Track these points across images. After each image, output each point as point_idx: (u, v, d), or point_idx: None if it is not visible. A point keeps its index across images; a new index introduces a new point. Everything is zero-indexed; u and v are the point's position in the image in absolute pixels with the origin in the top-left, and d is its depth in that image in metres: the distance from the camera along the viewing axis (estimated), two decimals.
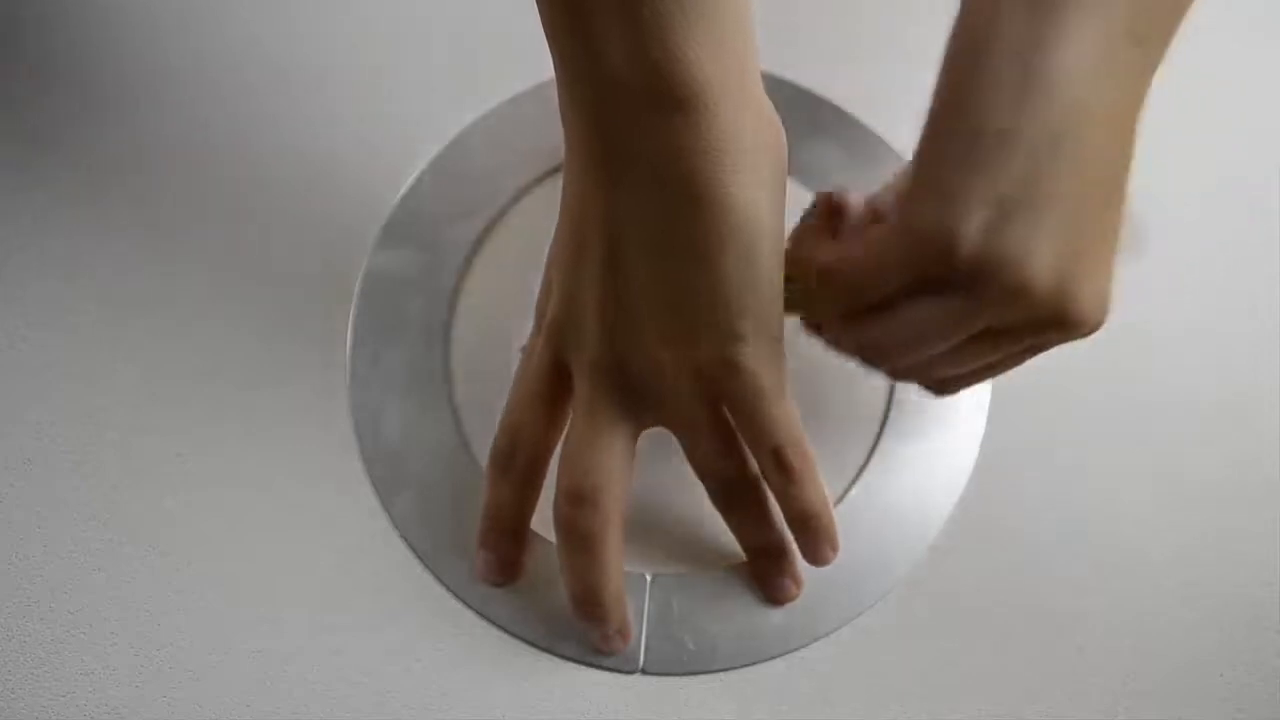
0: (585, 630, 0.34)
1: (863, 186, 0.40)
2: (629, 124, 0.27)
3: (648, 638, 0.34)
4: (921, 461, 0.37)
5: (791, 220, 0.32)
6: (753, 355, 0.30)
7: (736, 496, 0.33)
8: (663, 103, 0.27)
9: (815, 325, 0.33)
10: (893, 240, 0.28)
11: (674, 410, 0.32)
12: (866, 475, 0.37)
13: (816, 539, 0.33)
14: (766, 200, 0.29)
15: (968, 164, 0.26)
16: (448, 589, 0.35)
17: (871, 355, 0.31)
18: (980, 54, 0.26)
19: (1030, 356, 0.30)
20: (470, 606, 0.35)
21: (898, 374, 0.32)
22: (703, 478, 0.33)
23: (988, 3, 0.27)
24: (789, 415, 0.31)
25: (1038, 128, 0.26)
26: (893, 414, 0.37)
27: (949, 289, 0.27)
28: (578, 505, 0.32)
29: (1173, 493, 0.37)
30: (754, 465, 0.32)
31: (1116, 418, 0.38)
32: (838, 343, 0.32)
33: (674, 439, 0.33)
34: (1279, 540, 0.37)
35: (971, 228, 0.26)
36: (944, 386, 0.33)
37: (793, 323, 0.32)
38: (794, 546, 0.34)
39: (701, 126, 0.27)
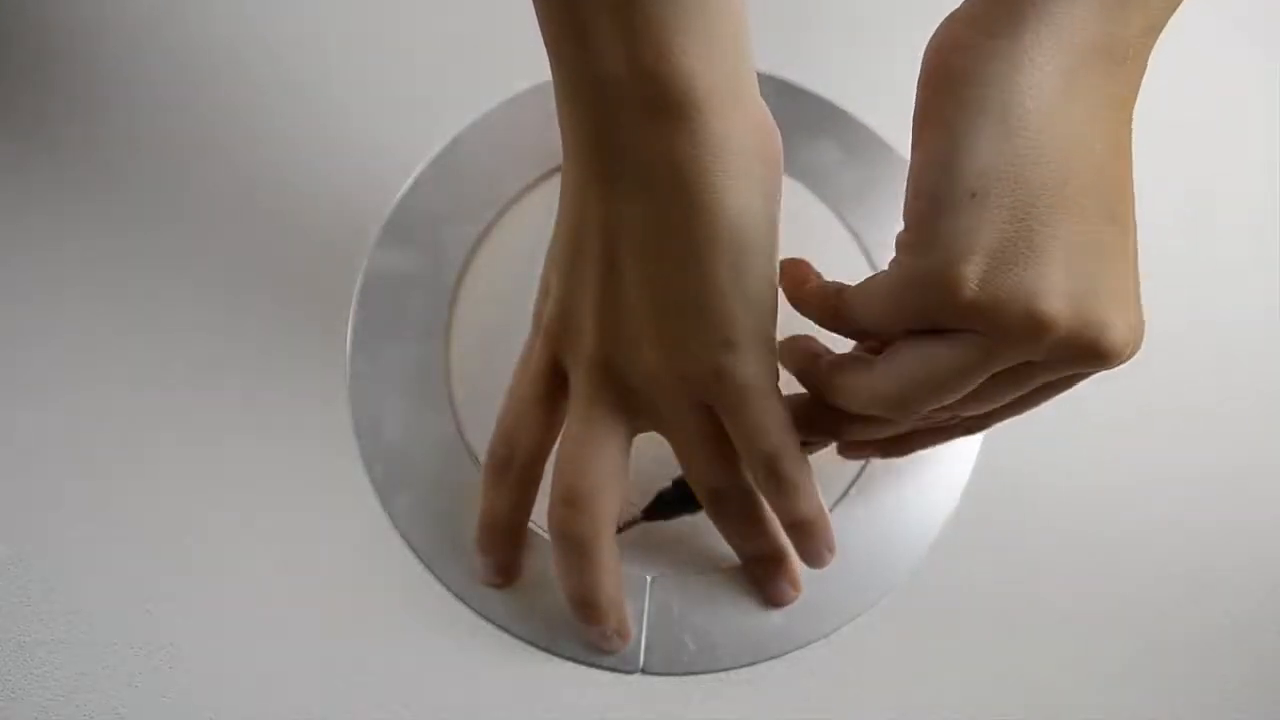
0: (584, 630, 0.34)
1: (863, 186, 0.40)
2: (623, 129, 0.27)
3: (648, 638, 0.34)
4: (921, 461, 0.37)
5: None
6: (743, 361, 0.30)
7: (729, 506, 0.33)
8: (656, 109, 0.27)
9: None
10: (895, 290, 0.27)
11: (666, 416, 0.31)
12: (866, 475, 0.37)
13: (813, 544, 0.33)
14: (759, 207, 0.28)
15: (956, 212, 0.25)
16: (447, 589, 0.35)
17: (893, 406, 0.29)
18: (951, 95, 0.26)
19: (1067, 388, 0.29)
20: (470, 606, 0.35)
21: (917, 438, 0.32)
22: (695, 486, 0.33)
23: (953, 37, 0.26)
24: (781, 422, 0.31)
25: (1019, 166, 0.25)
26: None
27: (963, 332, 0.26)
28: (572, 508, 0.32)
29: (1174, 492, 0.37)
30: (747, 474, 0.32)
31: (1117, 418, 0.38)
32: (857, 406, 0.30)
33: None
34: (1279, 540, 0.37)
35: (970, 273, 0.25)
36: (973, 425, 0.32)
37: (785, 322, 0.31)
38: (790, 552, 0.34)
39: (694, 133, 0.27)
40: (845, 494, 0.36)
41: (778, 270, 0.30)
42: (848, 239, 0.40)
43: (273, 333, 0.37)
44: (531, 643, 0.34)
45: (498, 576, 0.34)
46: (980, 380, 0.27)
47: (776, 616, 0.35)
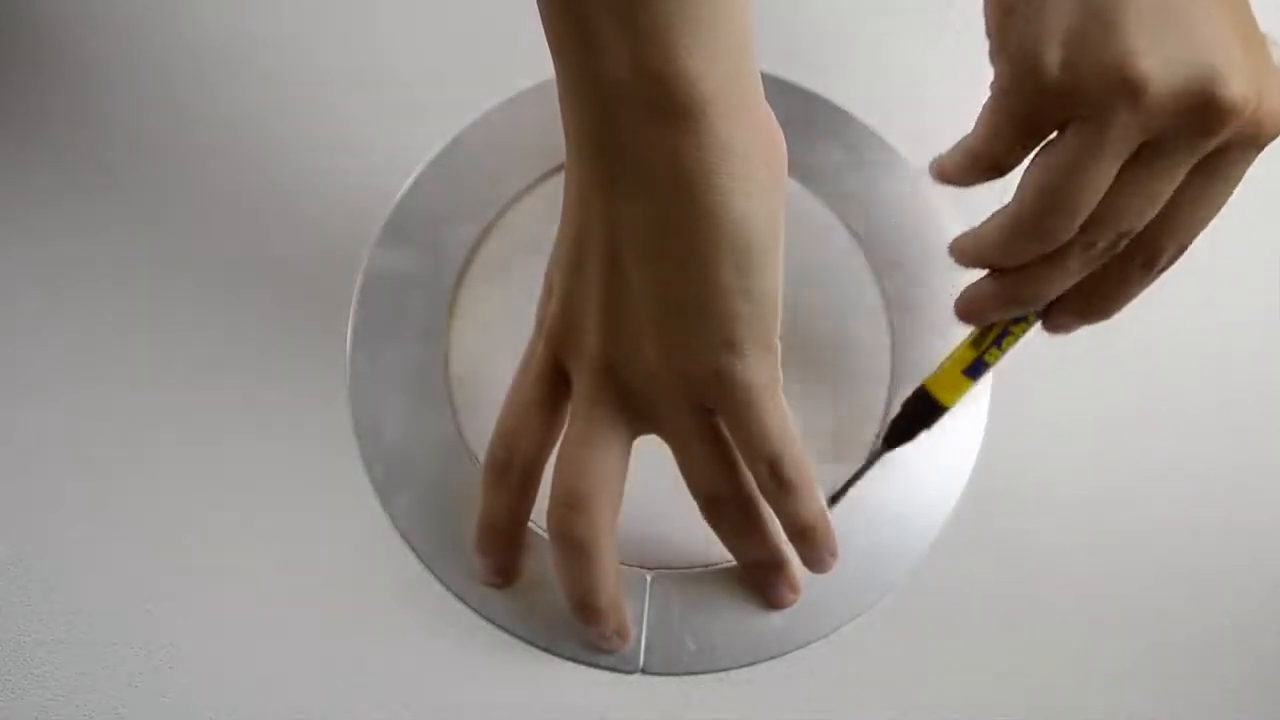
0: (584, 631, 0.34)
1: (862, 186, 0.40)
2: (627, 131, 0.27)
3: (648, 638, 0.34)
4: (922, 461, 0.37)
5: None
6: (745, 362, 0.29)
7: (727, 513, 0.33)
8: (660, 112, 0.27)
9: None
10: (998, 106, 0.29)
11: (666, 417, 0.31)
12: (866, 475, 0.37)
13: (816, 549, 0.33)
14: (763, 210, 0.28)
15: (1018, 8, 0.27)
16: (447, 589, 0.35)
17: (1037, 228, 0.29)
18: None
19: (1227, 172, 0.29)
20: (470, 606, 0.35)
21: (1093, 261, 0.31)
22: (694, 492, 0.33)
23: None
24: (783, 426, 0.31)
25: None
26: (892, 414, 0.37)
27: (1071, 125, 0.27)
28: (571, 510, 0.31)
29: (1174, 492, 0.37)
30: (746, 481, 0.32)
31: (1117, 417, 0.38)
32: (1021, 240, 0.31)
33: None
34: (1279, 540, 0.37)
35: (1050, 60, 0.26)
36: (1150, 255, 0.31)
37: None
38: (789, 557, 0.34)
39: (698, 135, 0.27)
40: (845, 494, 0.36)
41: (781, 272, 0.30)
42: (848, 239, 0.40)
43: (273, 333, 0.37)
44: (531, 643, 0.34)
45: (497, 577, 0.34)
46: (1106, 170, 0.27)
47: (776, 617, 0.35)
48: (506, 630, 0.34)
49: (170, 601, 0.34)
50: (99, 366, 0.37)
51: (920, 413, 0.35)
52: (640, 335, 0.30)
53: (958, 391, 0.35)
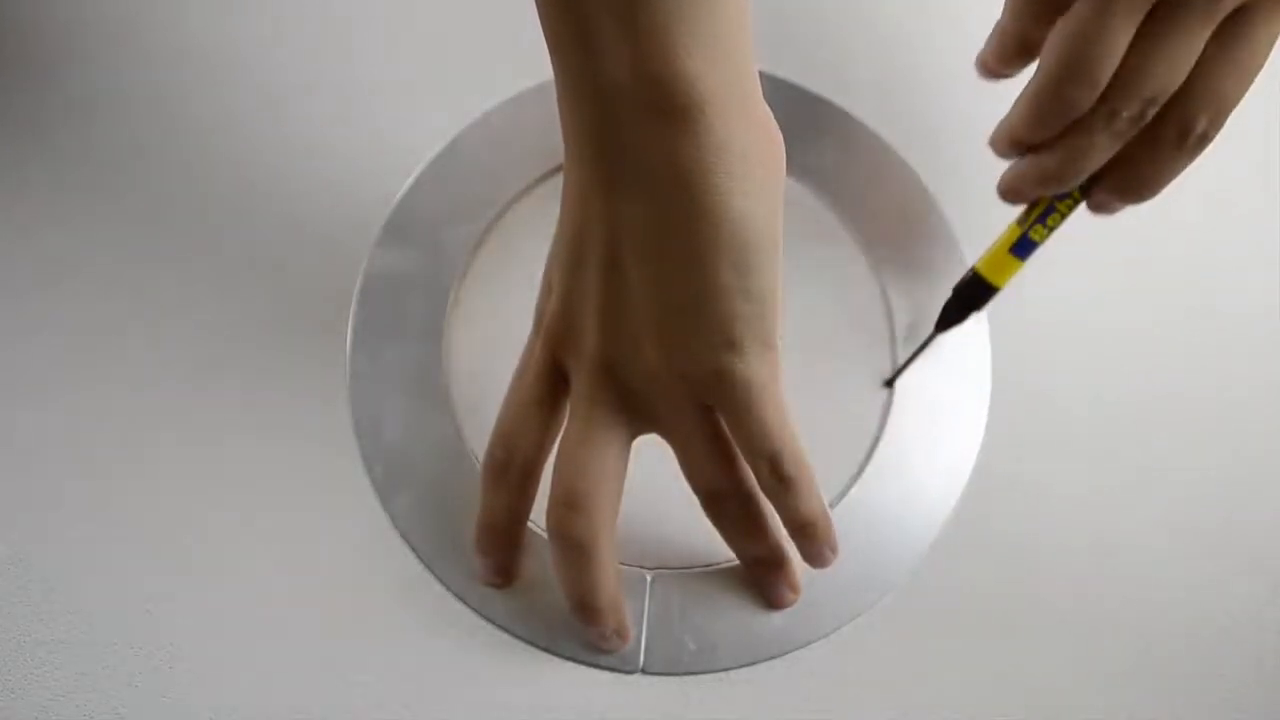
0: (583, 631, 0.34)
1: (862, 186, 0.40)
2: (626, 131, 0.27)
3: (648, 638, 0.34)
4: (921, 462, 0.37)
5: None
6: (745, 361, 0.30)
7: (729, 509, 0.33)
8: (660, 112, 0.27)
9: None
10: None
11: (666, 416, 0.31)
12: (866, 475, 0.37)
13: (816, 544, 0.33)
14: (762, 209, 0.28)
15: None
16: (447, 589, 0.35)
17: (1058, 91, 0.30)
18: None
19: (1254, 33, 0.28)
20: (470, 606, 0.35)
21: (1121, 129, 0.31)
22: (695, 488, 0.33)
23: None
24: (783, 423, 0.31)
25: None
26: (892, 414, 0.37)
27: None
28: (571, 509, 0.31)
29: (1174, 492, 0.37)
30: (747, 477, 0.32)
31: (1117, 417, 0.38)
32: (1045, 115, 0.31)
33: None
34: (1279, 540, 0.37)
35: None
36: (1184, 122, 0.30)
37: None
38: (790, 555, 0.34)
39: (697, 135, 0.27)
40: (845, 494, 0.36)
41: (780, 270, 0.30)
42: (847, 239, 0.40)
43: (273, 333, 0.37)
44: (531, 643, 0.34)
45: (497, 577, 0.34)
46: (1118, 29, 0.28)
47: (776, 616, 0.35)
48: (506, 630, 0.34)
49: (170, 601, 0.34)
50: (99, 366, 0.37)
51: (971, 295, 0.35)
52: (640, 335, 0.30)
53: (1006, 271, 0.35)
